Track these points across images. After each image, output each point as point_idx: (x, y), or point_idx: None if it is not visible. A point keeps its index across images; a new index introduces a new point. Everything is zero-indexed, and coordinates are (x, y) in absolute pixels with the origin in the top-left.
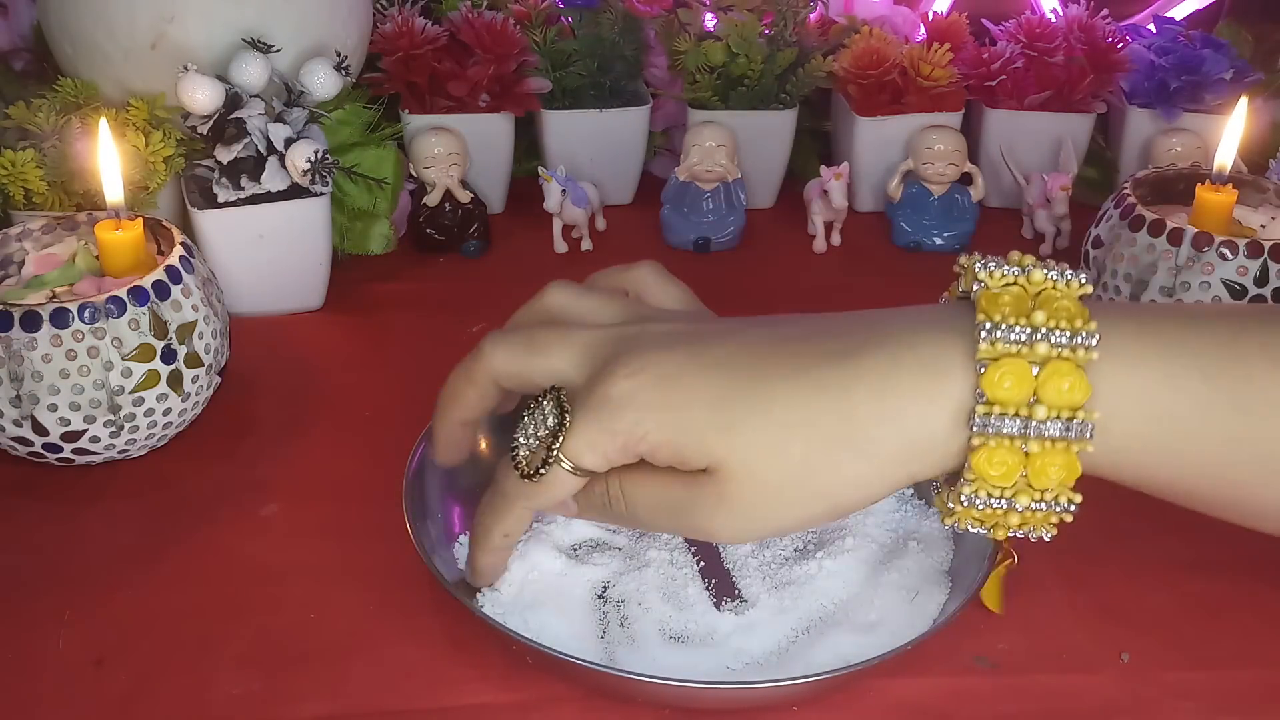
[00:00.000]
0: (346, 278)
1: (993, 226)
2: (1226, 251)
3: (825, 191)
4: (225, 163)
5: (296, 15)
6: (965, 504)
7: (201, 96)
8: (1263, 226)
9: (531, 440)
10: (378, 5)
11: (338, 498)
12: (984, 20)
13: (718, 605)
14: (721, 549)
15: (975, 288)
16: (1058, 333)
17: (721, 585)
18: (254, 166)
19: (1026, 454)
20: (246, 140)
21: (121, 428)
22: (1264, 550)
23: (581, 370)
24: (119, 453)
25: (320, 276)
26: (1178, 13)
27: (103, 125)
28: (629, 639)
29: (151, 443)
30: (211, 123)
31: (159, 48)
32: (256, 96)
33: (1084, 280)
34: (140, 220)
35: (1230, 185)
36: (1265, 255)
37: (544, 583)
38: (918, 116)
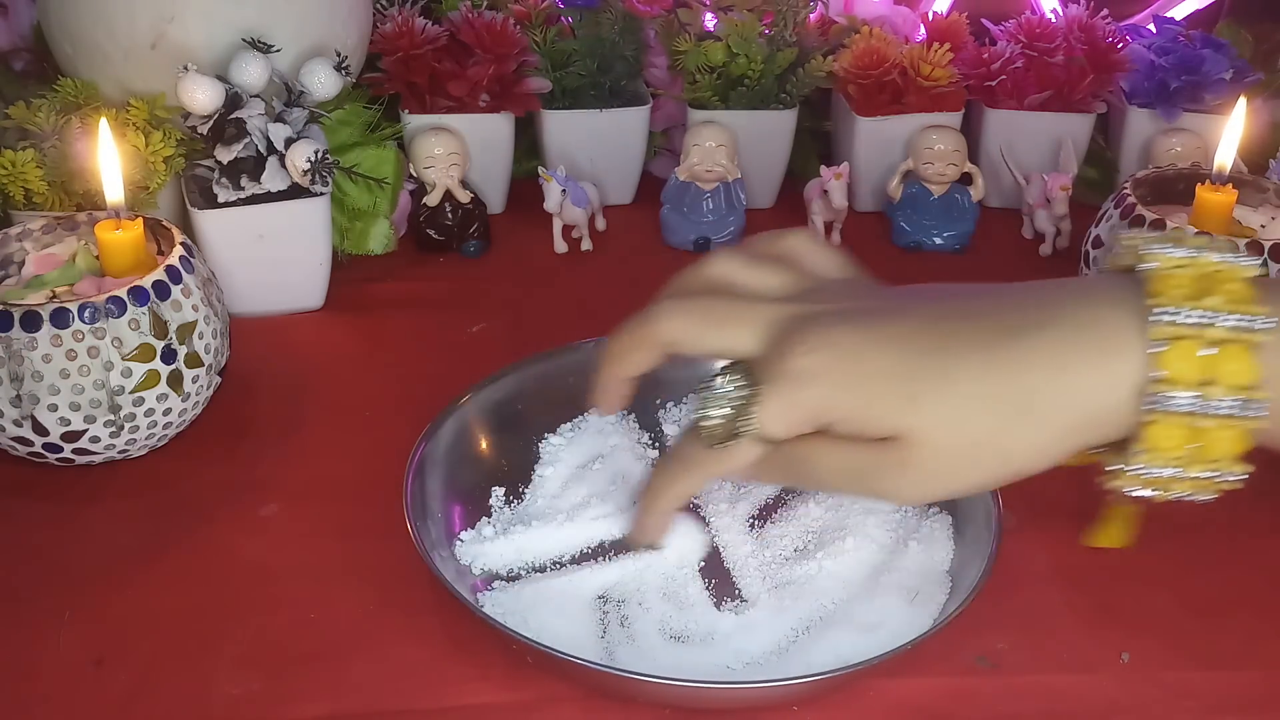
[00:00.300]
0: (346, 278)
1: (993, 226)
2: None
3: (825, 191)
4: (225, 163)
5: (296, 15)
6: (1136, 473)
7: (201, 96)
8: (1263, 226)
9: (720, 411)
10: (378, 5)
11: (338, 498)
12: (984, 20)
13: (718, 605)
14: (722, 549)
15: (1144, 267)
16: (1231, 316)
17: (722, 585)
18: (254, 166)
19: (1198, 430)
20: (246, 140)
21: (121, 428)
22: (1264, 550)
23: (760, 345)
24: (119, 453)
25: (320, 276)
26: (1178, 13)
27: (103, 125)
28: (629, 639)
29: (151, 443)
30: (211, 123)
31: (159, 48)
32: (256, 96)
33: (1252, 262)
34: (140, 220)
35: (1230, 185)
36: (1265, 255)
37: (544, 582)
38: (918, 116)
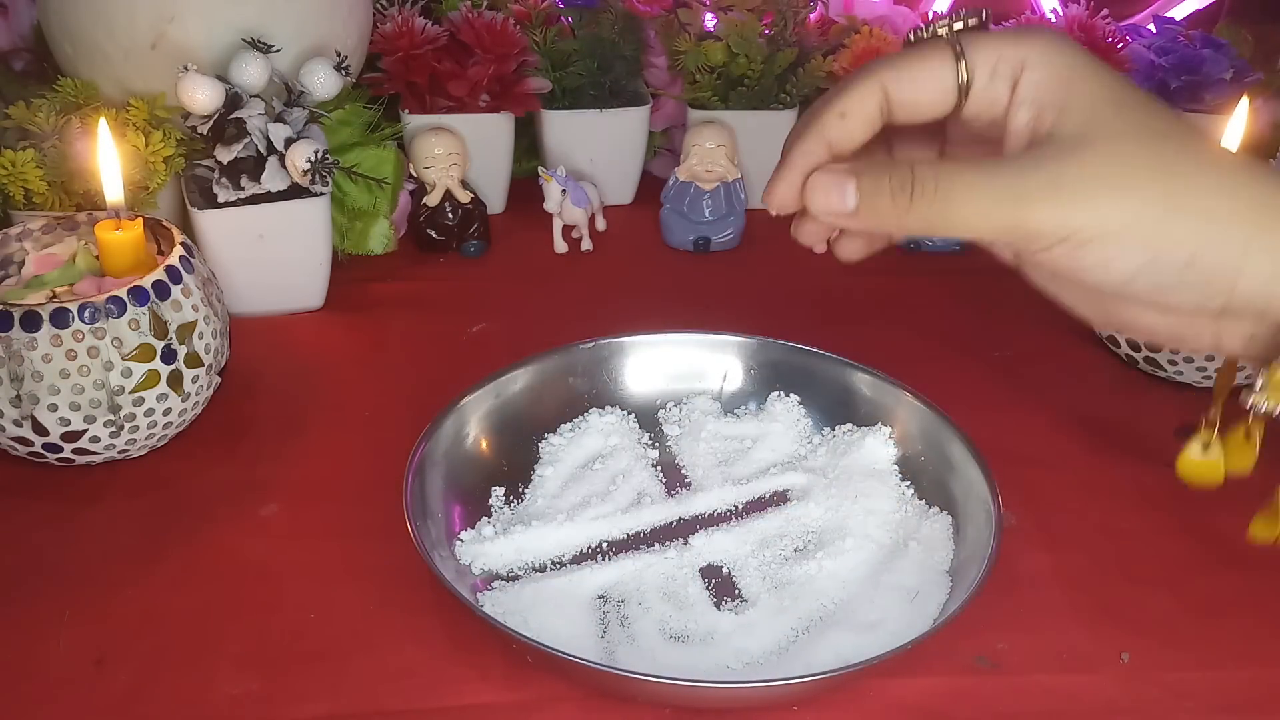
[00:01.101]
0: (346, 278)
1: None
2: None
3: None
4: (225, 163)
5: (296, 15)
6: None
7: (201, 96)
8: None
9: (936, 25)
10: (378, 5)
11: (338, 498)
12: None
13: (718, 605)
14: (722, 549)
15: None
16: None
17: (722, 585)
18: (254, 166)
19: None
20: (246, 140)
21: (121, 428)
22: (1264, 550)
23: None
24: (119, 453)
25: (320, 276)
26: (1178, 13)
27: (102, 125)
28: (629, 638)
29: (151, 443)
30: (211, 123)
31: (159, 48)
32: (256, 96)
33: None
34: (140, 220)
35: None
36: None
37: (544, 582)
38: None
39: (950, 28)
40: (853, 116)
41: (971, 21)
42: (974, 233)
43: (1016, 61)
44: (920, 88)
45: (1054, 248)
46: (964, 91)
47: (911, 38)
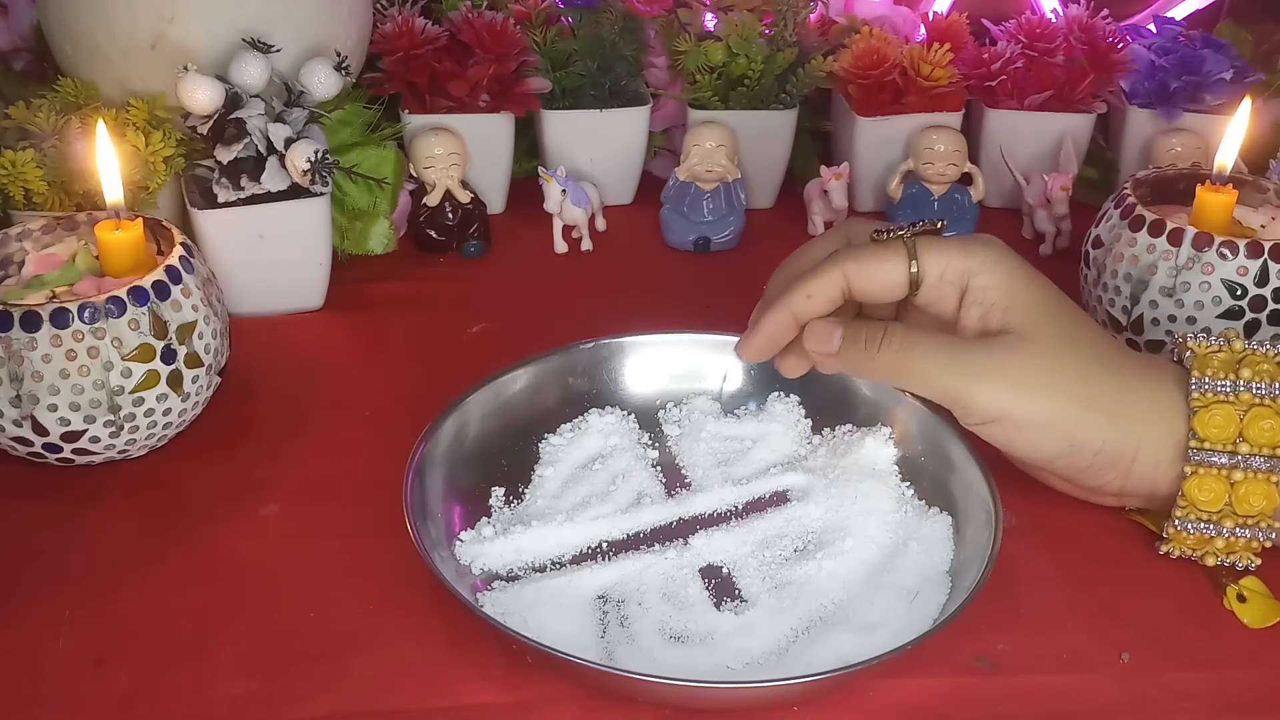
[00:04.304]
0: (346, 278)
1: (993, 226)
2: (1226, 251)
3: (825, 191)
4: (225, 163)
5: (296, 15)
6: (1177, 528)
7: (201, 96)
8: (1263, 226)
9: (902, 230)
10: (378, 5)
11: (338, 498)
12: (984, 20)
13: (718, 605)
14: (722, 549)
15: (1188, 355)
16: (1259, 385)
17: (721, 585)
18: (254, 166)
19: (1232, 484)
20: (246, 140)
21: (121, 428)
22: (1264, 551)
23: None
24: (119, 453)
25: (320, 276)
26: (1178, 13)
27: (100, 126)
28: (629, 638)
29: (151, 443)
30: (211, 123)
31: (159, 48)
32: (256, 96)
33: None
34: (140, 220)
35: (1230, 185)
36: (1265, 255)
37: (544, 582)
38: (918, 116)
39: (909, 232)
40: (817, 298)
41: (927, 226)
42: (925, 390)
43: (964, 269)
44: (877, 281)
45: (989, 425)
46: (915, 286)
47: (875, 237)
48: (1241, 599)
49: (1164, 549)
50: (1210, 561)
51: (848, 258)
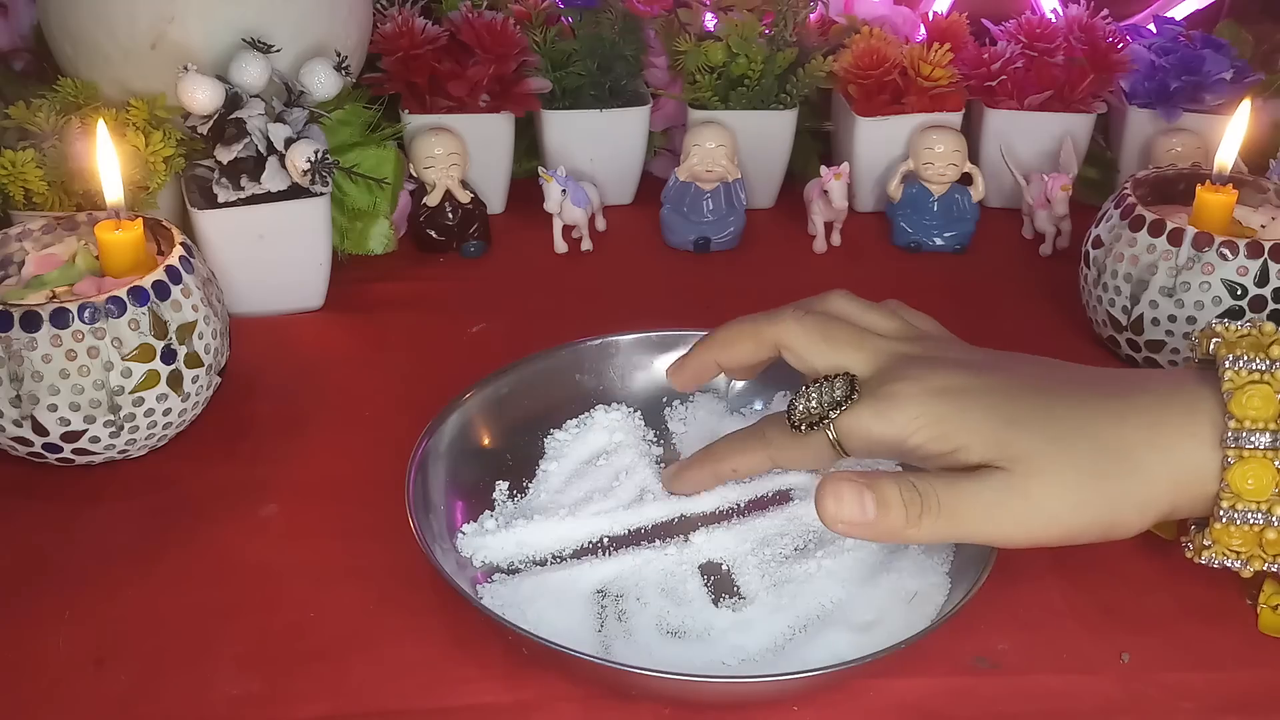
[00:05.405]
0: (346, 278)
1: (993, 226)
2: (1226, 252)
3: (825, 191)
4: (225, 163)
5: (296, 15)
6: (1223, 520)
7: (201, 96)
8: (1263, 226)
9: (813, 404)
10: (378, 5)
11: (338, 498)
12: (984, 20)
13: (716, 602)
14: (721, 546)
15: (1215, 342)
16: None
17: (720, 582)
18: (254, 166)
19: (1278, 468)
20: (246, 140)
21: (121, 428)
22: None
23: (866, 370)
24: (119, 453)
25: (320, 276)
26: (1178, 13)
27: (100, 126)
28: (626, 633)
29: (151, 443)
30: (211, 123)
31: (159, 48)
32: (256, 96)
33: None
34: (140, 220)
35: (1230, 185)
36: (1265, 255)
37: (544, 576)
38: (918, 116)
39: (821, 415)
40: (741, 472)
41: (837, 394)
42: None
43: (891, 443)
44: (809, 464)
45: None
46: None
47: (793, 426)
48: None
49: (1204, 556)
50: (1256, 567)
51: (775, 449)
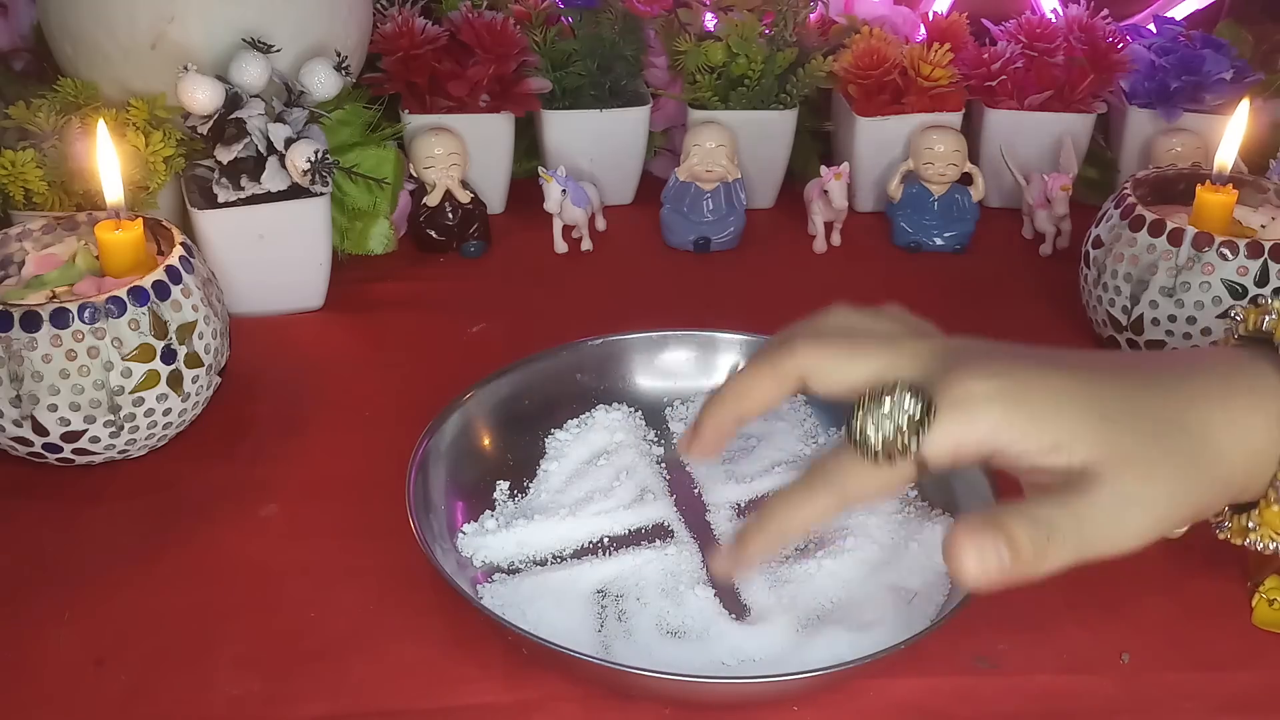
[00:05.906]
0: (346, 278)
1: (993, 226)
2: (1226, 252)
3: (825, 191)
4: (225, 163)
5: (296, 15)
6: (1278, 506)
7: (201, 96)
8: (1263, 226)
9: (886, 428)
10: (378, 5)
11: (338, 498)
12: (984, 20)
13: (716, 601)
14: (720, 543)
15: (1269, 318)
16: None
17: (721, 582)
18: (254, 166)
19: None
20: (246, 140)
21: (121, 428)
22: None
23: (912, 373)
24: (119, 453)
25: (320, 276)
26: (1178, 13)
27: (101, 126)
28: (626, 633)
29: (151, 443)
30: (211, 123)
31: (159, 48)
32: (256, 96)
33: None
34: (140, 220)
35: (1230, 185)
36: (1265, 255)
37: (544, 576)
38: (918, 116)
39: (908, 439)
40: (811, 527)
41: (918, 414)
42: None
43: (976, 446)
44: (880, 497)
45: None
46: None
47: (869, 457)
48: (1272, 603)
49: (1248, 539)
50: None
51: (846, 481)
